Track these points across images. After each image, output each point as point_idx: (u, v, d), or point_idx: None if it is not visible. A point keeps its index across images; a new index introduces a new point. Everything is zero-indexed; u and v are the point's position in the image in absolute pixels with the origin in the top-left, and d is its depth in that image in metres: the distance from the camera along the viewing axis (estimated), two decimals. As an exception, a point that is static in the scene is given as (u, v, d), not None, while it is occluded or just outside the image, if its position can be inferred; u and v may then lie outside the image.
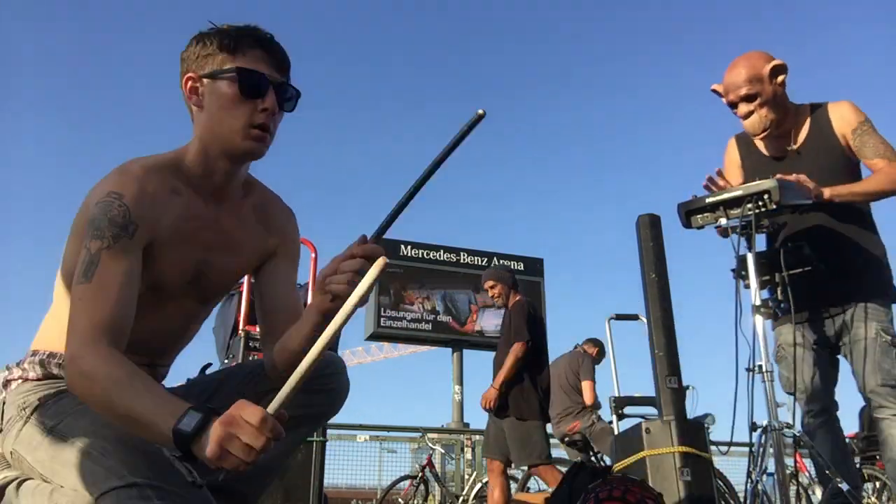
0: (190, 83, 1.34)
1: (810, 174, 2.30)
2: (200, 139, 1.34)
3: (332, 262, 1.21)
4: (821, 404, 2.39)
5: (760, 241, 2.48)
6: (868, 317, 2.30)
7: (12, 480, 1.26)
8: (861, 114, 2.40)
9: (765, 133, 2.44)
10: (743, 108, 2.43)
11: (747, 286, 2.35)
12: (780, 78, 2.40)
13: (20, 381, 1.32)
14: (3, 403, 1.32)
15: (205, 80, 1.32)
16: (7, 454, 1.28)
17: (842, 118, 2.41)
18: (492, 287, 4.55)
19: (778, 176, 2.27)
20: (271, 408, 0.99)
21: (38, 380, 1.30)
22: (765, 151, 2.54)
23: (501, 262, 10.92)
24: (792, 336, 2.37)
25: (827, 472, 2.21)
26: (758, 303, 2.31)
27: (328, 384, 1.42)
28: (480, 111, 0.95)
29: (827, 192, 2.28)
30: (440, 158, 1.09)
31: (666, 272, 2.49)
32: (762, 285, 2.37)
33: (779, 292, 2.37)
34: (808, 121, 2.46)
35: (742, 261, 2.37)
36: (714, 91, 2.52)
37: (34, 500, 1.22)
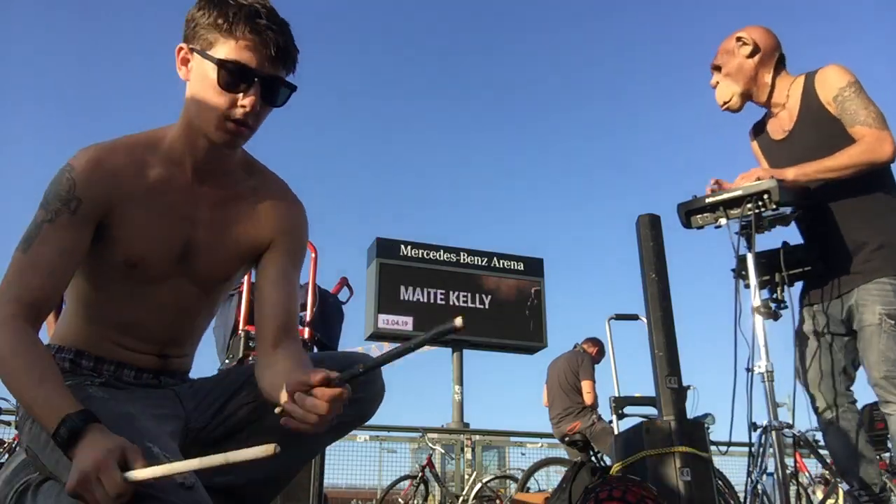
0: (182, 53, 1.28)
1: (804, 154, 2.24)
2: (186, 112, 1.29)
3: (297, 384, 1.06)
4: (824, 399, 2.29)
5: (768, 240, 2.43)
6: (875, 297, 2.13)
7: (37, 482, 1.26)
8: (844, 77, 2.23)
9: (726, 106, 2.45)
10: (713, 78, 2.49)
11: (747, 286, 2.34)
12: (742, 49, 2.39)
13: None
14: None
15: (194, 54, 1.25)
16: (24, 450, 1.28)
17: (824, 85, 2.27)
18: None
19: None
20: (140, 474, 0.98)
21: None
22: (772, 135, 2.49)
23: (501, 262, 10.93)
24: (807, 324, 2.34)
25: (829, 472, 2.19)
26: (758, 303, 2.30)
27: (356, 392, 1.32)
28: (458, 323, 0.87)
29: (790, 173, 2.21)
30: (402, 351, 0.98)
31: (666, 272, 2.49)
32: (762, 285, 2.36)
33: (779, 292, 2.35)
34: (801, 94, 2.36)
35: (742, 261, 2.37)
36: None
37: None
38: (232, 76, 1.20)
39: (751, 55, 2.39)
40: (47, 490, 1.22)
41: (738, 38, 2.41)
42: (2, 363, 1.12)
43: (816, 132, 2.28)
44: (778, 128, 2.45)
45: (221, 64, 1.20)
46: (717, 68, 2.46)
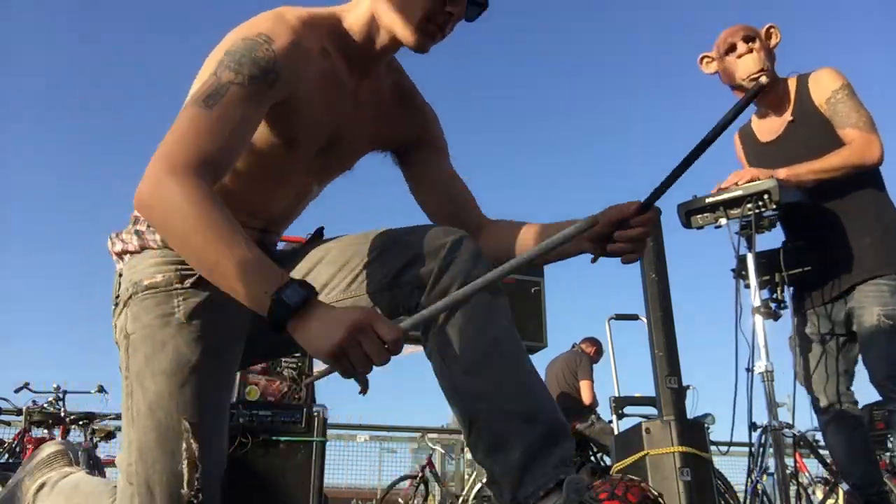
0: None
1: (797, 155, 2.25)
2: (375, 4, 1.20)
3: (616, 212, 1.16)
4: (826, 399, 2.30)
5: (768, 240, 2.44)
6: (871, 299, 2.16)
7: (56, 480, 1.28)
8: (838, 80, 2.27)
9: (760, 73, 2.32)
10: (742, 47, 2.35)
11: (747, 286, 2.35)
12: (772, 40, 2.37)
13: (128, 254, 1.23)
14: (120, 275, 1.24)
15: None
16: (115, 331, 1.22)
17: (818, 87, 2.30)
18: None
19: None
20: (407, 324, 0.92)
21: (136, 252, 1.22)
22: (759, 137, 2.49)
23: (501, 262, 10.92)
24: (801, 327, 2.35)
25: (829, 472, 2.20)
26: (758, 303, 2.30)
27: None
28: (763, 80, 0.90)
29: (783, 173, 2.21)
30: (717, 129, 0.97)
31: (666, 272, 2.49)
32: (762, 285, 2.36)
33: (779, 292, 2.36)
34: (793, 96, 2.38)
35: (742, 261, 2.37)
36: (703, 58, 2.47)
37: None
38: None
39: (775, 47, 2.38)
40: (61, 486, 1.24)
41: (773, 27, 2.36)
42: (175, 215, 0.95)
43: (809, 133, 2.30)
44: (767, 129, 2.46)
45: None
46: (752, 38, 2.34)
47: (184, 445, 1.06)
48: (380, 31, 1.21)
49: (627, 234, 1.15)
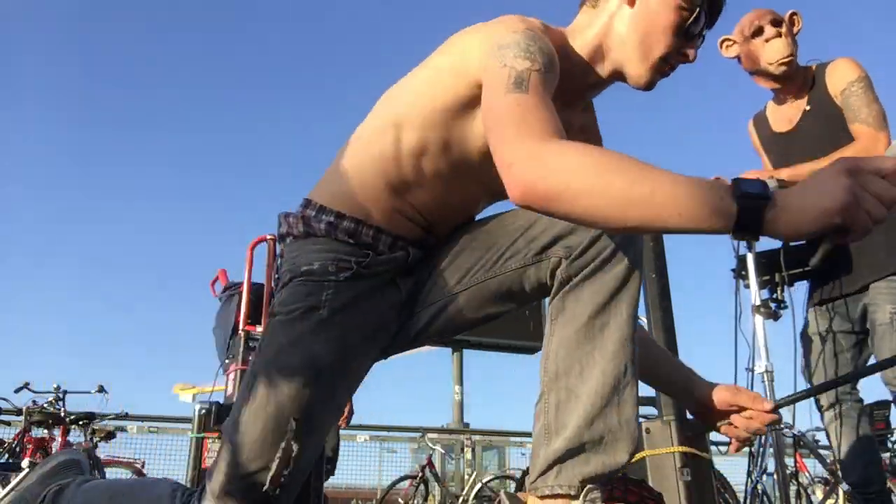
0: None
1: (811, 147, 2.22)
2: (605, 35, 1.17)
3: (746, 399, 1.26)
4: (827, 397, 2.29)
5: (768, 240, 2.43)
6: (884, 297, 2.14)
7: (78, 483, 1.27)
8: (855, 71, 2.21)
9: (788, 59, 2.27)
10: (770, 30, 2.29)
11: (747, 286, 2.34)
12: (795, 27, 2.32)
13: (290, 237, 1.20)
14: (281, 257, 1.23)
15: None
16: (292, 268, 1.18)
17: (834, 77, 2.25)
18: None
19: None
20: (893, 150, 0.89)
21: (300, 237, 1.19)
22: (774, 127, 2.46)
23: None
24: (815, 324, 2.33)
25: (830, 472, 2.20)
26: (758, 303, 2.30)
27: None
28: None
29: (785, 173, 2.18)
30: None
31: (666, 272, 2.49)
32: (762, 285, 2.36)
33: (779, 292, 2.35)
34: (810, 85, 2.33)
35: (742, 261, 2.37)
36: (724, 41, 2.40)
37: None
38: (694, 25, 1.14)
39: (797, 34, 2.33)
40: (88, 486, 1.24)
41: (795, 13, 2.32)
42: (599, 164, 0.85)
43: (824, 126, 2.26)
44: (782, 118, 2.42)
45: (694, 10, 1.13)
46: (779, 23, 2.30)
47: (283, 444, 1.03)
48: (604, 62, 1.18)
49: (751, 425, 1.24)
